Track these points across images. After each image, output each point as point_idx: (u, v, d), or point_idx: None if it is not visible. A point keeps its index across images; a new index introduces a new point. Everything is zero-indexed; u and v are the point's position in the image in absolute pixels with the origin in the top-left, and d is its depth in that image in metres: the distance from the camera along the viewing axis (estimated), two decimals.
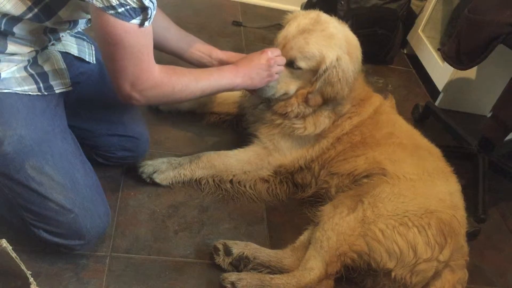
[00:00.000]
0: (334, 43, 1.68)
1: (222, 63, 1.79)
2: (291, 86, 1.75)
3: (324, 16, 1.75)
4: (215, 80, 1.54)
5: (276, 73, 1.67)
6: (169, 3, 2.92)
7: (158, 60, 1.38)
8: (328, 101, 1.75)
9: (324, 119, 1.81)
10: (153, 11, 1.24)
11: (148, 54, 1.31)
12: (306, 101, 1.76)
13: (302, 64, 1.68)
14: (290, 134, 1.83)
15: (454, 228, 1.57)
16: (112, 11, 1.17)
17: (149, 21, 1.24)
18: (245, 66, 1.62)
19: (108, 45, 1.26)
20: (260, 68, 1.63)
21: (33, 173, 1.34)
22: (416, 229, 1.52)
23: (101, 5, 1.16)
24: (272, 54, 1.65)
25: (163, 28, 1.73)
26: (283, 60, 1.68)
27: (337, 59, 1.66)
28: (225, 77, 1.57)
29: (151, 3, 1.21)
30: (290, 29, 1.69)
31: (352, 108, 1.83)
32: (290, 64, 1.69)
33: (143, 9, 1.20)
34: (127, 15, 1.19)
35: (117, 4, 1.16)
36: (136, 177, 1.77)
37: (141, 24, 1.23)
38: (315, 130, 1.81)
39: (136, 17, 1.21)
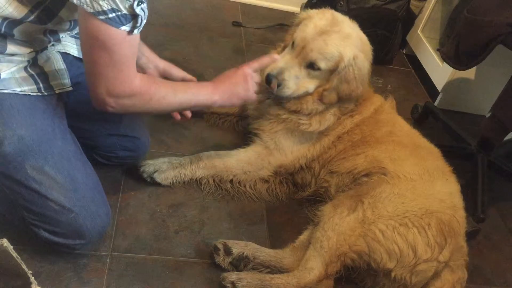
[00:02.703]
0: (351, 42, 1.71)
1: (157, 68, 1.75)
2: (310, 85, 1.77)
3: (338, 16, 1.77)
4: (193, 94, 1.51)
5: (253, 90, 1.64)
6: (169, 3, 2.92)
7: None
8: (343, 99, 1.77)
9: (330, 116, 1.82)
10: (143, 20, 1.23)
11: (131, 63, 1.30)
12: (320, 98, 1.77)
13: (322, 65, 1.71)
14: (294, 130, 1.83)
15: (454, 229, 1.57)
16: (102, 17, 1.16)
17: (138, 29, 1.23)
18: (222, 83, 1.59)
19: (93, 49, 1.23)
20: (237, 85, 1.60)
21: (33, 173, 1.33)
22: (416, 230, 1.52)
23: (91, 11, 1.15)
24: (249, 70, 1.63)
25: None
26: (258, 78, 1.67)
27: (353, 58, 1.70)
28: (203, 93, 1.53)
29: (142, 12, 1.21)
30: (308, 31, 1.70)
31: (353, 107, 1.84)
32: (310, 65, 1.71)
33: (134, 17, 1.20)
34: (118, 22, 1.18)
35: (108, 10, 1.15)
36: (136, 176, 1.77)
37: (131, 32, 1.22)
38: (320, 127, 1.82)
39: (126, 24, 1.20)
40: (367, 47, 1.78)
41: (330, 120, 1.82)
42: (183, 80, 1.77)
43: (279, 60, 1.74)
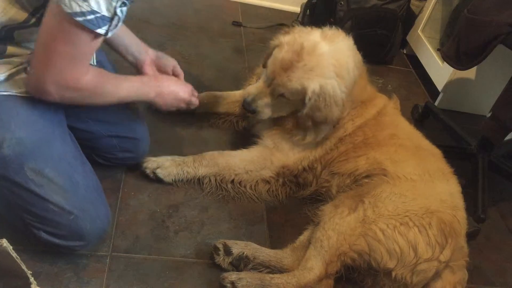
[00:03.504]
0: (315, 74, 1.69)
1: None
2: (283, 111, 1.82)
3: (308, 45, 1.71)
4: (135, 91, 1.53)
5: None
6: (169, 3, 2.92)
7: None
8: (320, 124, 1.78)
9: (325, 127, 1.82)
10: (119, 23, 1.23)
11: (88, 59, 1.30)
12: (300, 124, 1.80)
13: (289, 96, 1.75)
14: (291, 137, 1.85)
15: (455, 229, 1.57)
16: (80, 18, 1.15)
17: (112, 31, 1.23)
18: (168, 88, 1.64)
19: (57, 41, 1.21)
20: (176, 99, 1.67)
21: (33, 175, 1.33)
22: (417, 229, 1.52)
23: (69, 11, 1.14)
24: (194, 96, 1.74)
25: None
26: (196, 102, 1.77)
27: (320, 87, 1.69)
28: (144, 91, 1.57)
29: (121, 13, 1.21)
30: (276, 64, 1.72)
31: (353, 110, 1.84)
32: (282, 95, 1.75)
33: (112, 19, 1.20)
34: (95, 24, 1.18)
35: (88, 11, 1.15)
36: (136, 177, 1.77)
37: (105, 34, 1.22)
38: (316, 138, 1.83)
39: (103, 26, 1.20)
40: (345, 69, 1.73)
41: (326, 129, 1.82)
42: (174, 69, 1.80)
43: (253, 86, 1.82)
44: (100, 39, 1.26)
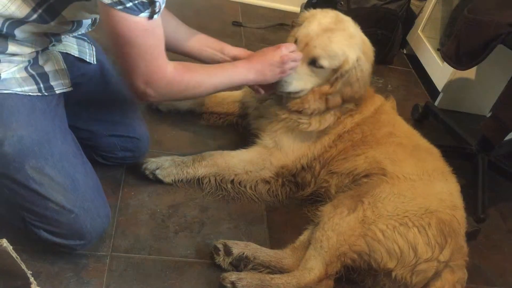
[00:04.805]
0: (355, 42, 1.69)
1: (235, 59, 1.76)
2: (309, 83, 1.74)
3: (342, 15, 1.76)
4: (229, 76, 1.56)
5: (290, 69, 1.67)
6: (170, 3, 2.90)
7: (172, 56, 1.39)
8: (346, 102, 1.77)
9: (329, 117, 1.81)
10: (162, 4, 1.22)
11: (159, 51, 1.31)
12: (326, 102, 1.76)
13: (325, 63, 1.68)
14: (293, 129, 1.83)
15: (454, 229, 1.57)
16: (120, 6, 1.16)
17: (158, 14, 1.22)
18: (258, 62, 1.62)
19: (118, 44, 1.25)
20: (273, 65, 1.62)
21: (33, 174, 1.33)
22: (417, 229, 1.52)
23: (108, 2, 1.15)
24: (287, 50, 1.64)
25: (172, 28, 1.71)
26: (299, 56, 1.67)
27: (357, 60, 1.68)
28: (238, 73, 1.59)
29: None
30: (312, 27, 1.68)
31: (353, 106, 1.84)
32: (312, 62, 1.69)
33: (151, 3, 1.19)
34: (135, 9, 1.17)
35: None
36: (136, 176, 1.77)
37: (150, 17, 1.21)
38: (320, 127, 1.81)
39: (145, 10, 1.19)
40: (369, 49, 1.77)
41: (330, 120, 1.82)
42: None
43: None
44: (153, 26, 1.24)
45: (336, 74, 1.72)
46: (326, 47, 1.66)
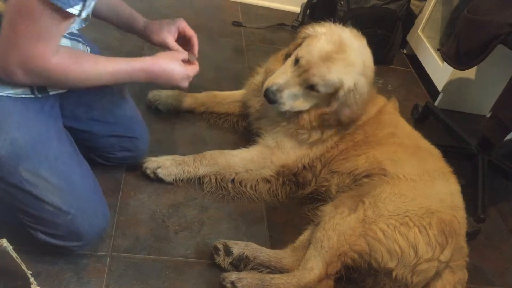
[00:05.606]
0: (354, 70, 1.70)
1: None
2: (307, 104, 1.77)
3: (346, 38, 1.72)
4: (123, 75, 1.43)
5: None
6: (169, 3, 2.92)
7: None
8: (343, 123, 1.78)
9: (329, 130, 1.83)
10: (92, 2, 1.19)
11: (56, 40, 1.24)
12: (322, 121, 1.78)
13: (321, 89, 1.71)
14: (294, 135, 1.84)
15: (455, 229, 1.57)
16: None
17: (86, 11, 1.19)
18: (161, 71, 1.50)
19: (20, 17, 1.14)
20: (170, 79, 1.53)
21: (28, 176, 1.31)
22: (417, 229, 1.52)
23: None
24: (192, 74, 1.58)
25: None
26: (195, 71, 1.61)
27: (354, 84, 1.70)
28: (131, 74, 1.44)
29: None
30: (313, 53, 1.68)
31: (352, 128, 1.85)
32: (310, 87, 1.71)
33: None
34: (66, 3, 1.13)
35: None
36: (136, 176, 1.77)
37: (78, 15, 1.17)
38: (321, 137, 1.83)
39: (74, 6, 1.15)
40: (369, 68, 1.77)
41: (331, 130, 1.83)
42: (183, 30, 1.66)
43: (279, 75, 1.73)
44: (71, 20, 1.20)
45: (332, 97, 1.74)
46: (324, 77, 1.68)
